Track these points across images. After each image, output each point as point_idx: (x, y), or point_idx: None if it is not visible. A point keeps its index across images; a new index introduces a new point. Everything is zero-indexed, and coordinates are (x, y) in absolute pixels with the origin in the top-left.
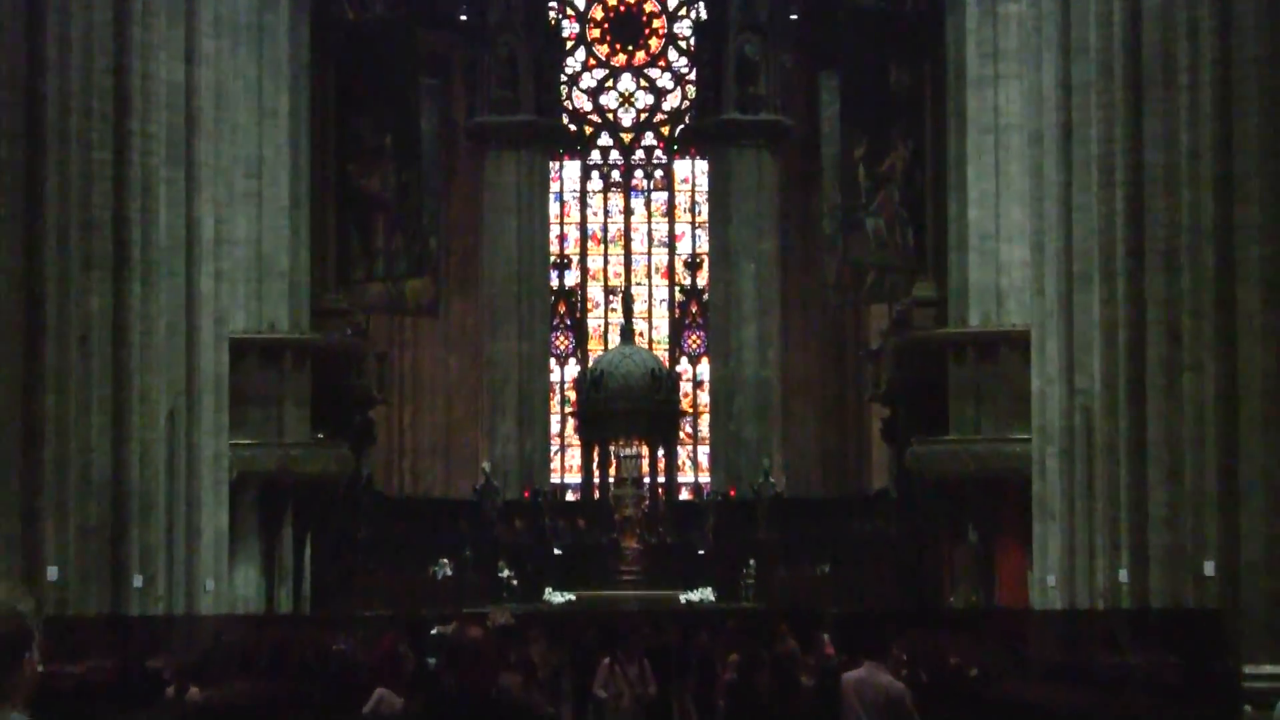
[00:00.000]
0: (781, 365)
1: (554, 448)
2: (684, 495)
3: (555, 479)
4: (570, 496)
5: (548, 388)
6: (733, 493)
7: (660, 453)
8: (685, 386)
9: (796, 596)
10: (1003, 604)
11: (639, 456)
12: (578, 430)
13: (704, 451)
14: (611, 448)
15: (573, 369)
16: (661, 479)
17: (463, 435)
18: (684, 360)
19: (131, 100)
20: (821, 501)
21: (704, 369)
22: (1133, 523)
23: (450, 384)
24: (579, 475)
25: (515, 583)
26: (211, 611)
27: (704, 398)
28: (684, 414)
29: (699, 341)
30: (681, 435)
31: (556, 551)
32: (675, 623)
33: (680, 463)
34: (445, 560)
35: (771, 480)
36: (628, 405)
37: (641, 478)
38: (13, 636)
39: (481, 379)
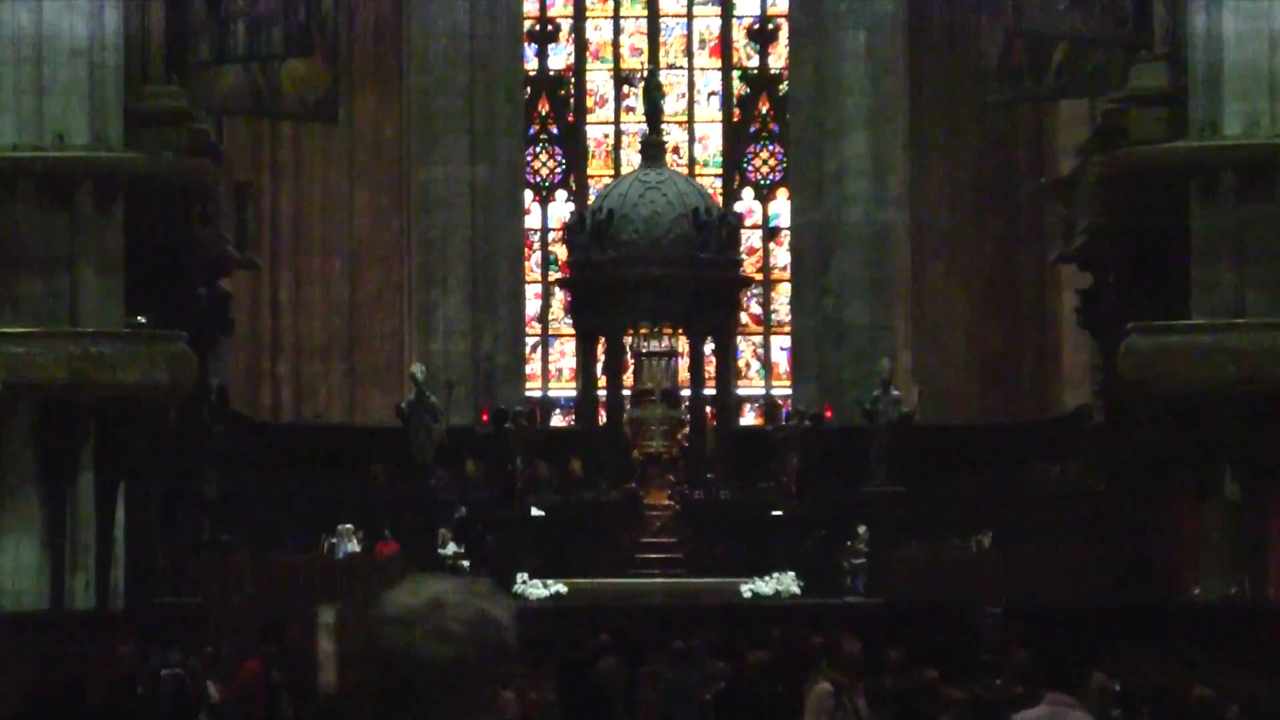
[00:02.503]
0: (911, 204)
1: (530, 341)
2: (748, 419)
3: (533, 393)
4: (558, 421)
5: (520, 241)
6: (829, 415)
7: (708, 350)
8: (751, 239)
9: (936, 586)
10: None
11: (673, 355)
12: (570, 311)
13: (782, 347)
14: (627, 341)
15: (561, 209)
16: (710, 392)
17: (378, 321)
18: (748, 195)
19: None
20: (978, 431)
21: (782, 209)
22: None
23: (358, 236)
24: (572, 386)
25: (466, 564)
26: None
27: (782, 257)
28: (748, 284)
29: (773, 164)
30: (744, 320)
31: (535, 513)
32: (735, 628)
33: (742, 366)
34: (348, 527)
35: (895, 395)
36: (654, 269)
37: (677, 391)
38: (481, 657)
39: (410, 227)
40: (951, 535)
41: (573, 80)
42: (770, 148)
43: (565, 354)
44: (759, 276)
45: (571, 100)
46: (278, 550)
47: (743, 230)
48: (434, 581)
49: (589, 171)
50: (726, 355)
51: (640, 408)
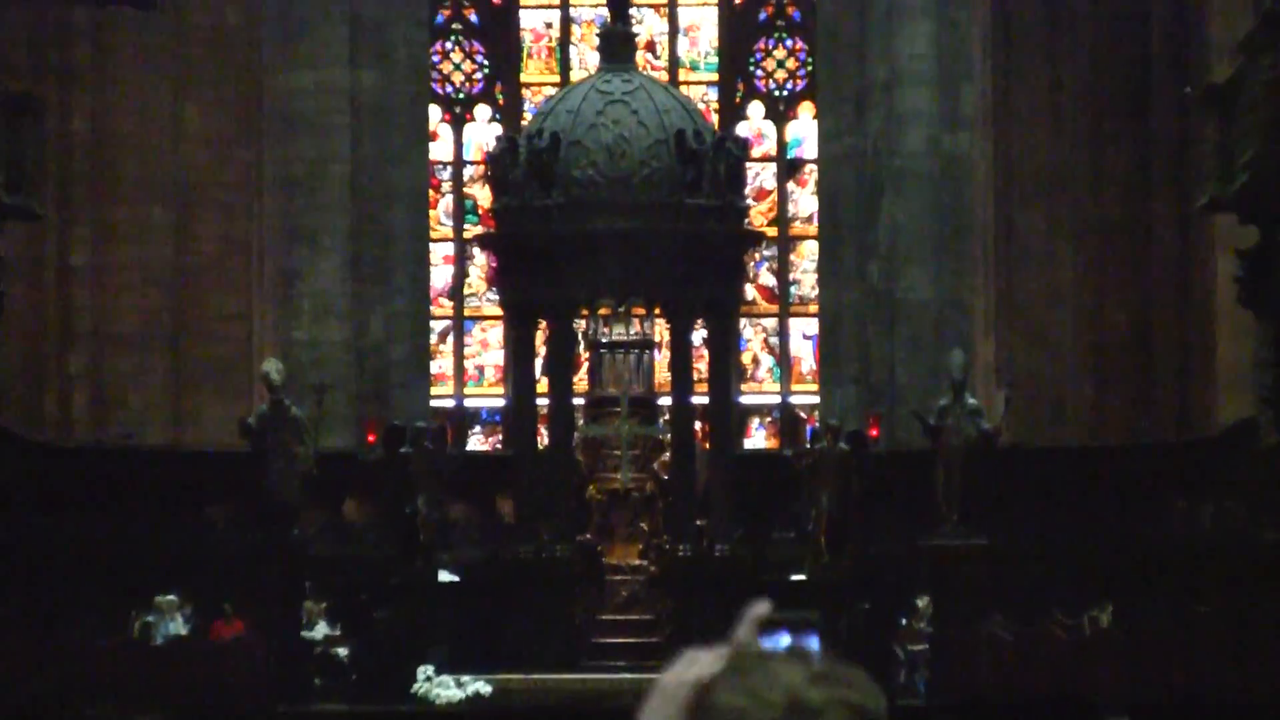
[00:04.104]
0: (995, 126)
1: (439, 326)
2: (757, 440)
3: (442, 401)
4: (479, 443)
5: (423, 180)
6: (875, 434)
7: (698, 339)
8: (761, 176)
9: (1032, 682)
10: None
11: (648, 348)
12: (496, 282)
13: (806, 335)
14: (580, 326)
15: (484, 133)
16: (702, 401)
17: (217, 297)
18: (756, 112)
19: None
20: (1092, 457)
21: (807, 133)
22: None
23: (189, 173)
24: (499, 393)
25: (343, 654)
26: None
27: (807, 203)
28: (757, 243)
29: (793, 67)
30: (751, 295)
31: (446, 578)
32: None
33: (749, 363)
34: (171, 599)
35: (972, 404)
36: (619, 221)
37: (654, 400)
38: None
39: (264, 160)
40: (1054, 608)
41: None
42: (789, 44)
43: (489, 345)
44: (772, 231)
45: None
46: (68, 631)
47: (749, 164)
48: (759, 665)
49: (523, 78)
50: (725, 347)
51: (600, 424)
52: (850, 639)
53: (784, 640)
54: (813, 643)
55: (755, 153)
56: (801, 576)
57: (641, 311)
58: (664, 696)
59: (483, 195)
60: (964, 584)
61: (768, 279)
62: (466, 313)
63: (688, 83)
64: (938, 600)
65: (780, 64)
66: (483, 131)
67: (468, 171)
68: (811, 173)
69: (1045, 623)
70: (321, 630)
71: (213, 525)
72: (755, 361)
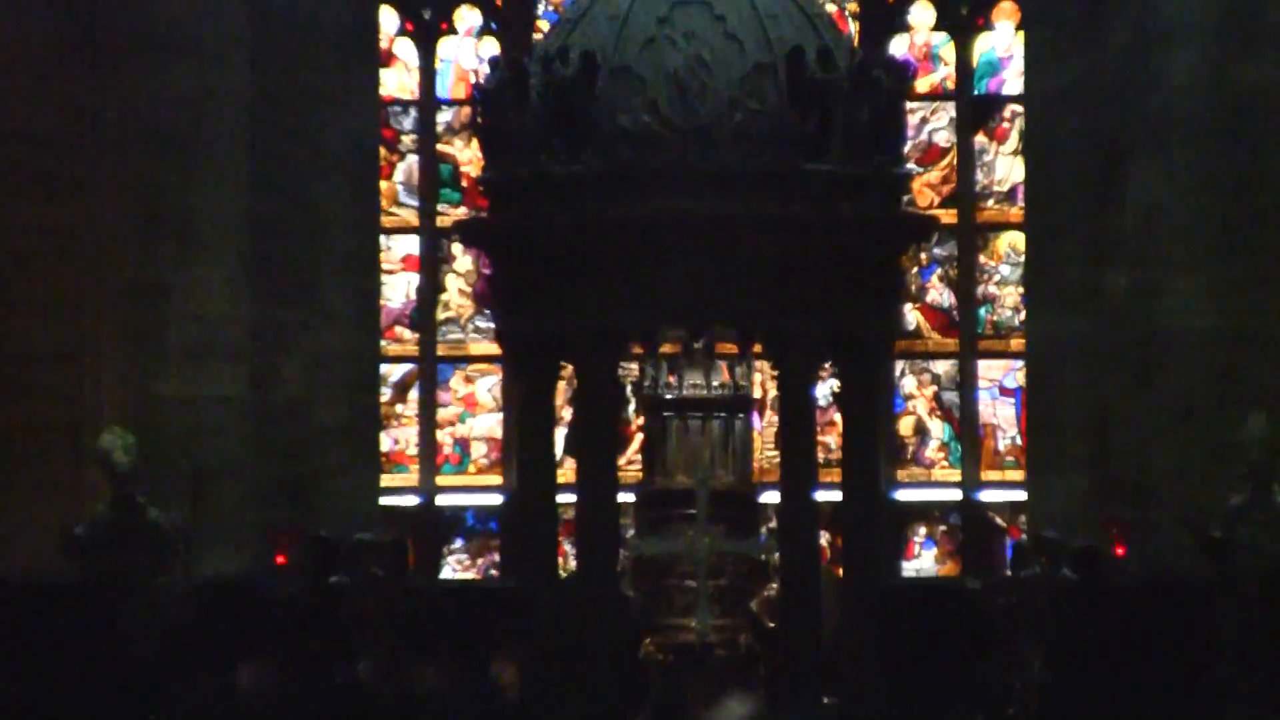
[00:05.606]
0: None
1: (395, 372)
2: (923, 563)
3: (399, 497)
4: (459, 567)
5: (372, 129)
6: (1121, 552)
7: (823, 396)
8: (931, 124)
9: None
10: None
11: (742, 408)
12: (489, 300)
13: (1004, 386)
14: (628, 374)
15: (466, 53)
16: (830, 496)
17: (28, 321)
18: (922, 19)
19: None
20: None
21: (1005, 52)
22: None
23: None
24: (494, 482)
25: None
26: None
27: (1006, 170)
28: (924, 235)
29: None
30: (913, 321)
31: None
32: None
33: (908, 435)
34: None
35: (1278, 504)
36: (695, 200)
37: (752, 495)
38: None
39: (104, 98)
40: None
41: None
42: None
43: (478, 404)
44: (949, 216)
45: None
46: None
47: (912, 105)
48: None
49: None
50: (871, 408)
51: (663, 536)
52: None
53: None
54: None
55: (921, 86)
56: None
57: (732, 349)
58: None
59: (467, 156)
60: None
61: (941, 295)
62: (441, 350)
63: None
64: None
65: None
66: (468, 50)
67: (443, 117)
68: (1014, 120)
69: None
70: None
71: (18, 706)
72: (920, 432)
